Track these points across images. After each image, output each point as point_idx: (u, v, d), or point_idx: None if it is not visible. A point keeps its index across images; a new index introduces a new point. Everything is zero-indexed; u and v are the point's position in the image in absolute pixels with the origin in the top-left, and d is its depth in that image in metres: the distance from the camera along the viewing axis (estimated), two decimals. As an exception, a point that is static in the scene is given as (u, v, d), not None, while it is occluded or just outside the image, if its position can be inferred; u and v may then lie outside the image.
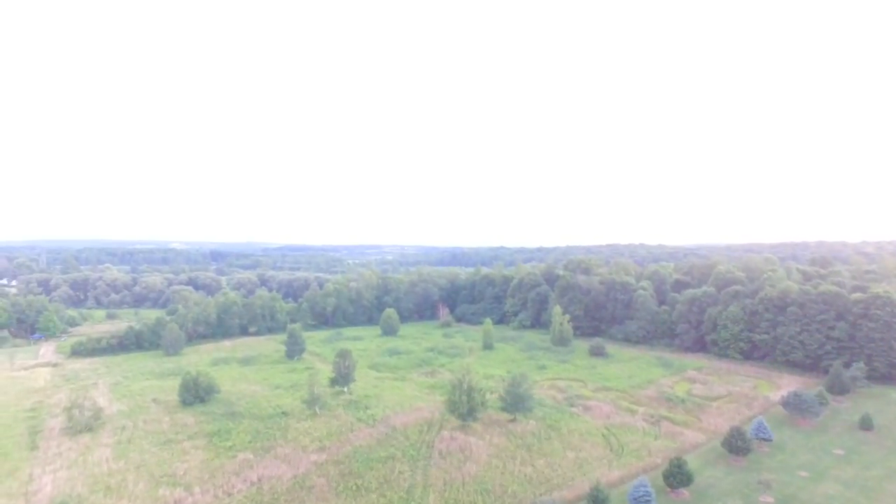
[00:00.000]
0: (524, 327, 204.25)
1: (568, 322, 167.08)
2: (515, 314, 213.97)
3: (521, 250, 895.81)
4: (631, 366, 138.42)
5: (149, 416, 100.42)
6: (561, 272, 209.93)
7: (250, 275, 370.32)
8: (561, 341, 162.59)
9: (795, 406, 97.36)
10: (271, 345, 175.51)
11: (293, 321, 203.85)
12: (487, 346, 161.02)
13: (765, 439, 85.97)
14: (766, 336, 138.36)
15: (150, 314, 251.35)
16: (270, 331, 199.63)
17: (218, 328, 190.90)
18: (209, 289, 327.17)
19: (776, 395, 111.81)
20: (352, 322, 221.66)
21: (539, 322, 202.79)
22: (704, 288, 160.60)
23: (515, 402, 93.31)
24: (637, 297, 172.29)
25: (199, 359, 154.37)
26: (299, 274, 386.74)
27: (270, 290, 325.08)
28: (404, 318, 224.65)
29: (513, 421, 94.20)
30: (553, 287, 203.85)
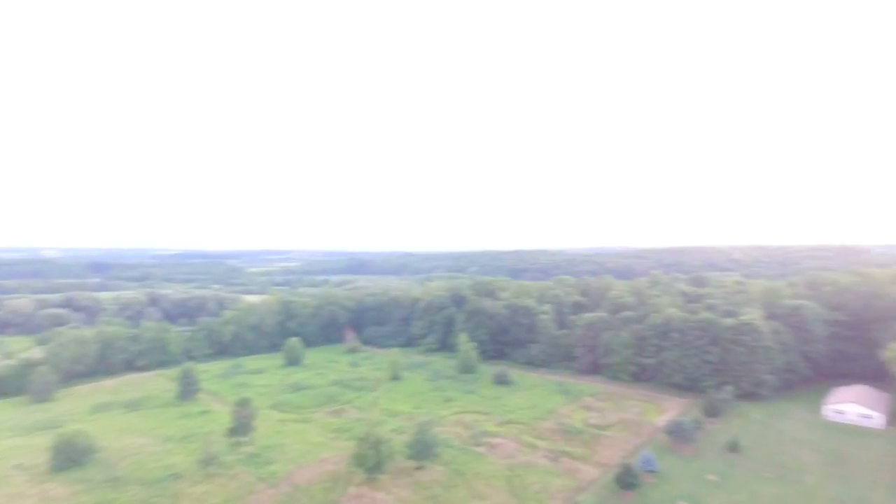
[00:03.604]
0: (431, 351, 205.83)
1: (474, 349, 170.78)
2: (423, 337, 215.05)
3: (430, 256, 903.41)
4: (533, 394, 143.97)
5: (11, 488, 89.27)
6: (467, 293, 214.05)
7: (138, 293, 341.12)
8: (467, 369, 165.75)
9: (676, 434, 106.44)
10: (161, 383, 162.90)
11: (187, 353, 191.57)
12: (395, 377, 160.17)
13: (651, 471, 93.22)
14: (652, 360, 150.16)
15: (17, 343, 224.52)
16: (161, 365, 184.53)
17: (99, 364, 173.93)
18: (89, 311, 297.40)
19: (661, 420, 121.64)
20: (252, 350, 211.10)
21: (446, 345, 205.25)
22: (599, 313, 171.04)
23: (422, 451, 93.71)
24: (539, 322, 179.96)
25: (74, 405, 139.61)
26: (195, 292, 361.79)
27: (162, 310, 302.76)
28: (309, 343, 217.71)
29: (420, 469, 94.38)
30: (460, 309, 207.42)
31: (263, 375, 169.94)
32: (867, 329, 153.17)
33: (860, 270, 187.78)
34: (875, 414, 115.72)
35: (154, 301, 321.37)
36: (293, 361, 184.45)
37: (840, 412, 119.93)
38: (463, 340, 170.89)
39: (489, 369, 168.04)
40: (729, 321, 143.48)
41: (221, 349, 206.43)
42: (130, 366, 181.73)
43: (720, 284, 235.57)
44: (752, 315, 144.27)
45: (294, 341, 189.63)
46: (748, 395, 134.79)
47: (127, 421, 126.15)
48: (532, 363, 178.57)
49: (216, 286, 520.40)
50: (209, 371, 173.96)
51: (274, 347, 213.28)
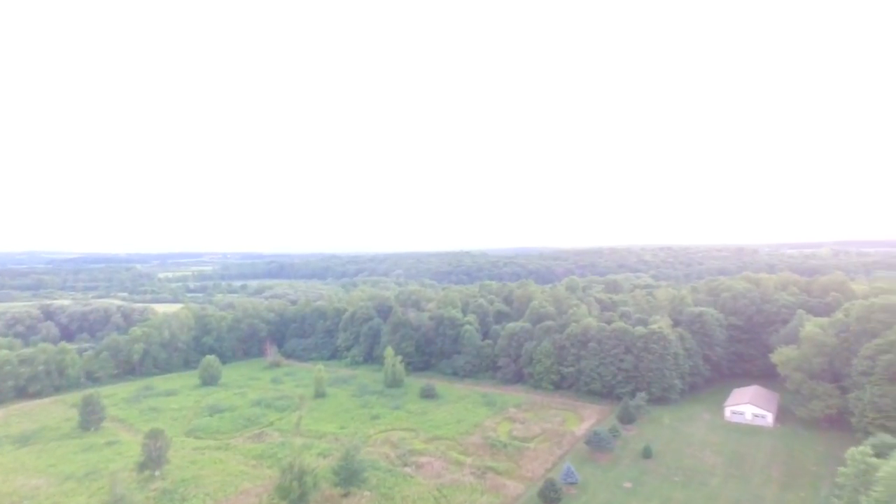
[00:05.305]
0: (357, 363, 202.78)
1: (400, 362, 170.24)
2: (348, 349, 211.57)
3: (355, 259, 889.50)
4: (459, 408, 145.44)
5: None
6: (393, 305, 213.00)
7: (30, 306, 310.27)
8: (394, 383, 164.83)
9: (595, 443, 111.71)
10: (59, 410, 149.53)
11: (90, 375, 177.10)
12: (319, 395, 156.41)
13: (572, 483, 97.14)
14: (571, 369, 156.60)
15: None
16: (58, 390, 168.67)
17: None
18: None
19: (581, 429, 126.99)
20: (164, 369, 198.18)
21: (372, 357, 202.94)
22: (521, 323, 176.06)
23: (349, 477, 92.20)
24: (464, 333, 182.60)
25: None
26: (97, 302, 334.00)
27: (59, 325, 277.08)
28: (227, 359, 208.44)
29: (346, 496, 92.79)
30: (385, 320, 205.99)
31: (177, 397, 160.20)
32: (759, 332, 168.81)
33: (752, 276, 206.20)
34: (768, 414, 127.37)
35: (49, 315, 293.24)
36: (209, 381, 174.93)
37: (738, 413, 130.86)
38: (389, 354, 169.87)
39: (415, 382, 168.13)
40: (641, 329, 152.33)
41: (129, 369, 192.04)
42: (21, 392, 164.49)
43: (633, 288, 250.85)
44: (661, 323, 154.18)
45: (210, 359, 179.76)
46: (659, 400, 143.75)
47: (18, 458, 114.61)
48: (457, 374, 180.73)
49: (121, 295, 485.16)
50: (115, 395, 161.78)
51: (188, 365, 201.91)
